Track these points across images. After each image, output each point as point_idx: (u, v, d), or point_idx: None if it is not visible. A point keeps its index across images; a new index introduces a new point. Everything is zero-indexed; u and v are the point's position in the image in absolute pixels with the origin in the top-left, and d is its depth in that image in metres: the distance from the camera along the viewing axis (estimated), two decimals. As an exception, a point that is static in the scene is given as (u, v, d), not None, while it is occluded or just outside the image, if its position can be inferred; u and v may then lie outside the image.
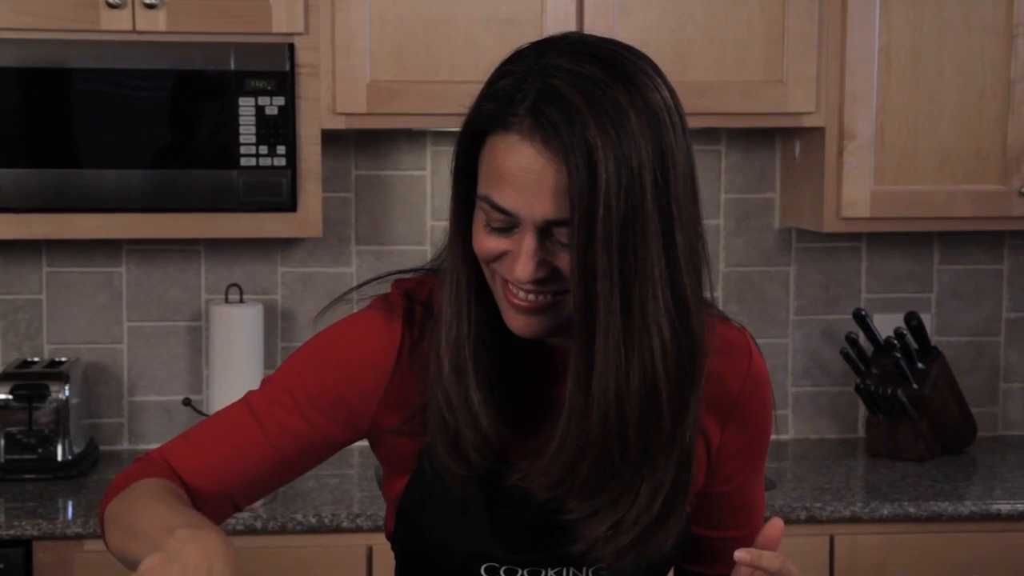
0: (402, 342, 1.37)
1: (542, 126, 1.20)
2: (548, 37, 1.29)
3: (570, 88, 1.20)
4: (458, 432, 1.31)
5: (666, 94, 1.25)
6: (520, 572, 1.38)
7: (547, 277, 1.25)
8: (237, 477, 1.39)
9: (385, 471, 1.46)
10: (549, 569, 1.38)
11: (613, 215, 1.19)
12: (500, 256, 1.26)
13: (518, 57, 1.27)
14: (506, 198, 1.22)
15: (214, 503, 1.39)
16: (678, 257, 1.23)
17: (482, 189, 1.25)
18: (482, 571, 1.38)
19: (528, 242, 1.23)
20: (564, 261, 1.23)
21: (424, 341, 1.36)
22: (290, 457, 1.40)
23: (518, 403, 1.34)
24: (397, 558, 1.51)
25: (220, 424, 1.40)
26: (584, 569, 1.39)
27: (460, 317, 1.30)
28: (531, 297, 1.26)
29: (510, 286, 1.27)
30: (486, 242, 1.26)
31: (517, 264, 1.23)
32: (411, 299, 1.39)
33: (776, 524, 1.29)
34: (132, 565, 1.23)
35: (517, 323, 1.28)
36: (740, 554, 1.24)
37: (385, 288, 1.44)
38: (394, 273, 1.45)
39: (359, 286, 1.45)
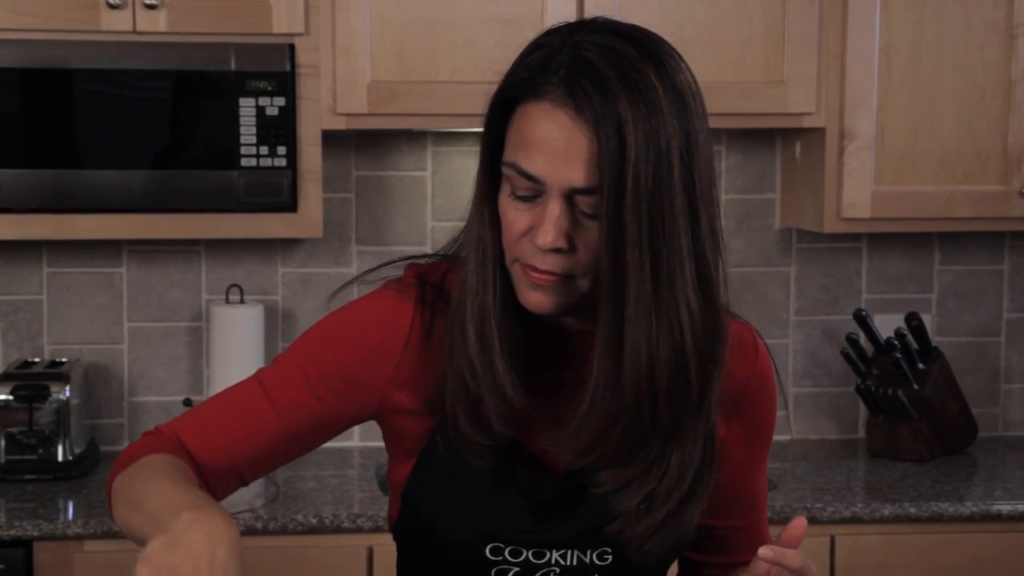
0: (413, 322, 1.39)
1: (575, 95, 1.23)
2: (579, 20, 1.34)
3: (603, 62, 1.24)
4: (480, 399, 1.33)
5: (691, 78, 1.29)
6: (525, 553, 1.39)
7: (566, 250, 1.27)
8: (245, 452, 1.40)
9: (391, 454, 1.47)
10: (554, 551, 1.39)
11: (642, 186, 1.22)
12: (522, 236, 1.28)
13: (551, 33, 1.30)
14: (534, 164, 1.25)
15: (221, 477, 1.40)
16: (702, 234, 1.27)
17: (510, 155, 1.28)
18: (487, 552, 1.39)
19: (552, 208, 1.25)
20: (583, 236, 1.26)
21: (436, 322, 1.38)
22: (299, 433, 1.41)
23: (536, 377, 1.36)
24: (400, 546, 1.51)
25: (230, 399, 1.41)
26: (588, 552, 1.40)
27: (486, 286, 1.32)
28: (547, 275, 1.28)
29: (527, 266, 1.29)
30: (511, 216, 1.29)
31: (540, 231, 1.26)
32: (424, 281, 1.41)
33: (799, 523, 1.31)
34: (138, 541, 1.25)
35: (533, 299, 1.30)
36: (764, 551, 1.27)
37: (398, 272, 1.46)
38: (408, 258, 1.47)
39: (372, 269, 1.46)
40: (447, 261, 1.43)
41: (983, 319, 3.22)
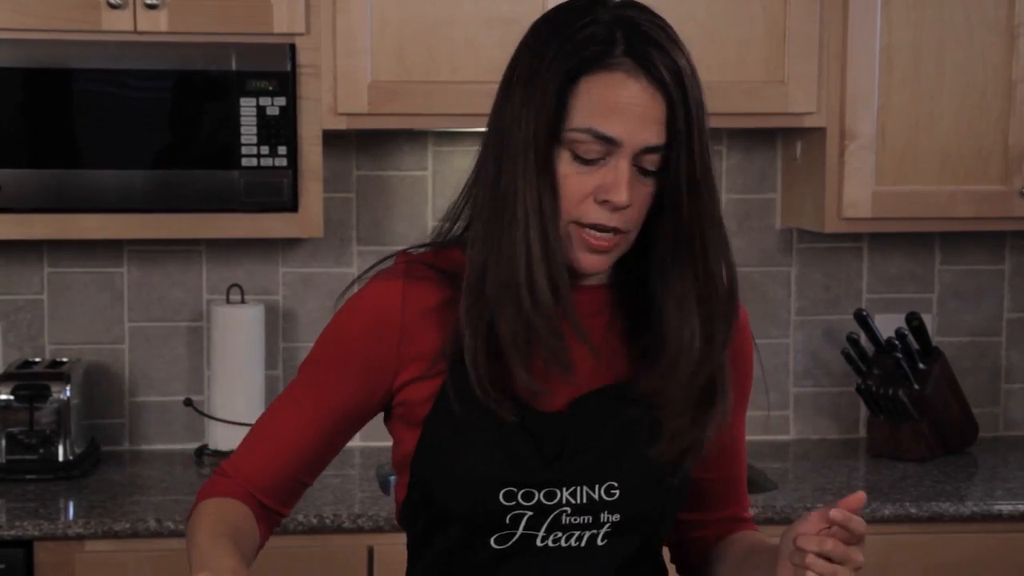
0: (405, 296, 1.49)
1: (644, 65, 1.38)
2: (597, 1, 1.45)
3: (660, 34, 1.40)
4: (538, 354, 1.42)
5: None
6: (537, 495, 1.46)
7: (629, 206, 1.41)
8: (295, 463, 1.54)
9: (396, 435, 1.55)
10: (564, 489, 1.47)
11: (703, 135, 1.40)
12: (585, 197, 1.40)
13: (589, 11, 1.42)
14: (613, 127, 1.38)
15: (285, 490, 1.56)
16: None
17: (582, 122, 1.39)
18: (501, 497, 1.46)
19: (624, 167, 1.39)
20: (638, 192, 1.41)
21: (430, 292, 1.48)
22: (334, 430, 1.55)
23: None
24: (410, 529, 1.56)
25: (268, 420, 1.56)
26: (596, 487, 1.47)
27: (552, 250, 1.41)
28: (608, 236, 1.41)
29: (587, 230, 1.41)
30: (574, 180, 1.40)
31: (614, 191, 1.39)
32: (411, 263, 1.52)
33: (860, 496, 1.40)
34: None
35: (590, 261, 1.43)
36: (834, 513, 1.36)
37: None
38: (401, 251, 1.57)
39: (372, 267, 1.57)
40: (436, 247, 1.54)
41: (984, 319, 3.22)
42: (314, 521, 2.52)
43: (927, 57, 2.80)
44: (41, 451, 2.76)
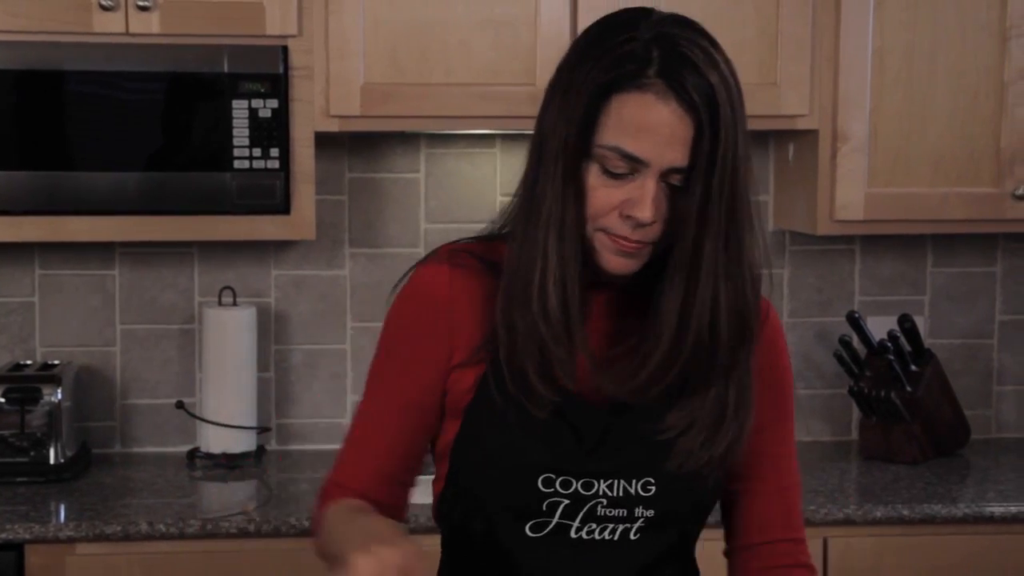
0: (451, 283, 1.53)
1: (675, 88, 1.39)
2: (642, 9, 1.47)
3: (698, 55, 1.40)
4: (553, 358, 1.45)
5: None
6: (575, 484, 1.49)
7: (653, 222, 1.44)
8: (392, 468, 1.57)
9: (441, 422, 1.57)
10: (601, 481, 1.50)
11: (728, 163, 1.41)
12: (612, 209, 1.43)
13: (631, 22, 1.44)
14: (640, 147, 1.40)
15: (390, 495, 1.58)
16: (752, 206, 1.47)
17: (610, 139, 1.41)
18: (539, 483, 1.49)
19: (650, 186, 1.41)
20: (663, 207, 1.42)
21: (473, 280, 1.52)
22: (412, 424, 1.56)
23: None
24: (446, 523, 1.59)
25: (354, 432, 1.60)
26: (633, 482, 1.50)
27: (568, 257, 1.44)
28: (636, 242, 1.44)
29: (614, 236, 1.44)
30: (601, 192, 1.43)
31: (638, 207, 1.41)
32: (455, 251, 1.55)
33: None
34: (331, 560, 1.46)
35: (616, 264, 1.46)
36: None
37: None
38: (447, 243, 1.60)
39: (411, 269, 1.58)
40: (479, 241, 1.57)
41: (976, 321, 3.22)
42: (306, 524, 2.51)
43: (919, 59, 2.81)
44: (32, 454, 2.75)
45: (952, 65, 2.82)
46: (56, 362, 2.91)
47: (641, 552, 1.53)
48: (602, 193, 1.43)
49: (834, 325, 3.15)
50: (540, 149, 1.47)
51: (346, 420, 3.08)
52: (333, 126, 2.72)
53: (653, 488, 1.50)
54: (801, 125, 2.83)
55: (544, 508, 1.50)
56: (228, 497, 2.72)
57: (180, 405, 2.98)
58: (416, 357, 1.54)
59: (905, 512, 2.61)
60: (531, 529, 1.51)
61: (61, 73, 2.60)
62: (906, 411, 2.95)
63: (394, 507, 1.59)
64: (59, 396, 2.78)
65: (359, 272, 3.07)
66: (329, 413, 3.08)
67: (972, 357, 3.23)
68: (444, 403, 1.55)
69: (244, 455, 2.90)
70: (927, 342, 3.14)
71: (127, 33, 2.62)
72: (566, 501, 1.49)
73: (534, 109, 2.76)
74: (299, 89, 2.68)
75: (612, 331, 1.52)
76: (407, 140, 3.05)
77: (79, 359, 2.99)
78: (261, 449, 2.97)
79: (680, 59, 1.40)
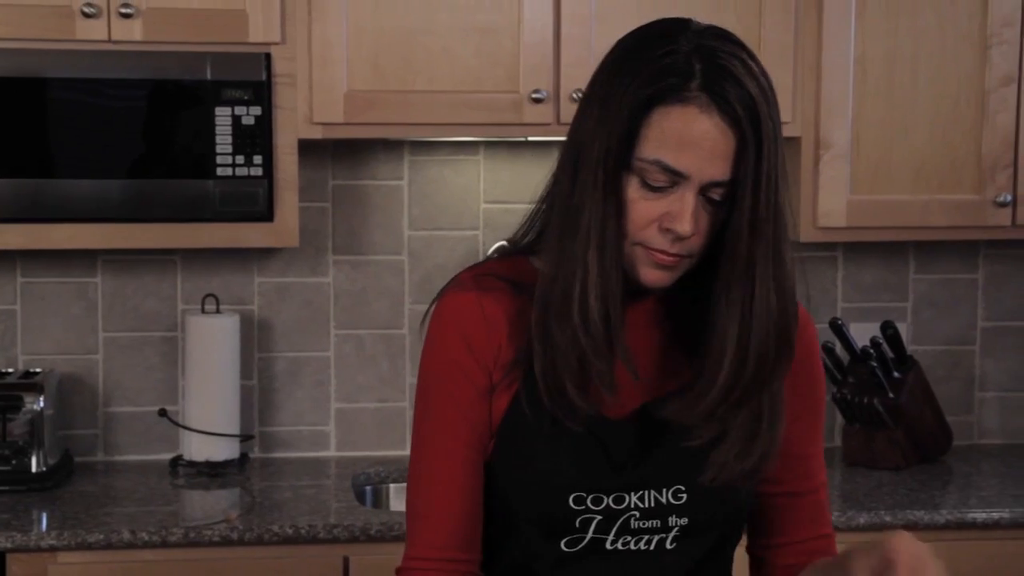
0: (481, 306, 1.51)
1: (719, 102, 1.39)
2: (678, 20, 1.46)
3: (738, 68, 1.40)
4: (592, 372, 1.45)
5: None
6: (606, 500, 1.49)
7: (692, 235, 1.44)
8: (466, 508, 1.53)
9: None
10: (632, 493, 1.50)
11: (772, 175, 1.41)
12: (651, 223, 1.42)
13: (669, 34, 1.43)
14: (682, 161, 1.39)
15: (471, 536, 1.53)
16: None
17: (651, 153, 1.40)
18: (570, 501, 1.49)
19: (690, 199, 1.41)
20: (702, 220, 1.42)
21: (501, 301, 1.50)
22: (478, 456, 1.53)
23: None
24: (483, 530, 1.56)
25: (421, 485, 1.54)
26: (664, 491, 1.50)
27: (609, 271, 1.43)
28: (674, 255, 1.43)
29: (652, 249, 1.43)
30: (641, 206, 1.42)
31: (678, 221, 1.41)
32: (478, 275, 1.54)
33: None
34: None
35: (654, 277, 1.46)
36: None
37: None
38: (465, 269, 1.60)
39: (445, 292, 1.55)
40: (499, 260, 1.57)
41: (958, 328, 3.24)
42: (289, 531, 2.51)
43: (901, 67, 2.82)
44: (14, 462, 2.74)
45: (933, 73, 2.83)
46: (38, 370, 2.90)
47: (678, 561, 1.53)
48: (641, 206, 1.42)
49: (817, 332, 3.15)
50: (576, 160, 1.44)
51: (329, 427, 3.08)
52: (316, 133, 2.71)
53: (684, 496, 1.50)
54: (784, 132, 2.82)
55: (577, 525, 1.49)
56: (211, 505, 2.71)
57: (163, 413, 2.98)
58: (468, 384, 1.51)
59: (888, 518, 2.62)
60: (566, 545, 1.50)
61: (44, 80, 2.59)
62: (889, 417, 2.96)
63: (476, 553, 1.55)
64: (41, 404, 2.77)
65: (342, 279, 3.07)
66: (312, 420, 3.08)
67: (954, 364, 3.24)
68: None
69: (227, 463, 2.90)
70: (909, 349, 3.15)
71: (110, 40, 2.61)
72: (599, 517, 1.49)
73: (517, 116, 2.79)
74: (282, 96, 2.67)
75: (651, 343, 1.52)
76: (390, 147, 3.05)
77: (61, 367, 2.97)
78: (244, 457, 2.97)
79: (722, 72, 1.39)
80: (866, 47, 2.81)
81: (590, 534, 1.50)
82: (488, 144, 3.06)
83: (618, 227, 1.42)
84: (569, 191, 1.45)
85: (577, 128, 1.46)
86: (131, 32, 2.61)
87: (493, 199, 3.09)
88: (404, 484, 2.97)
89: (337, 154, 3.04)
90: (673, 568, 1.53)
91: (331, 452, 3.09)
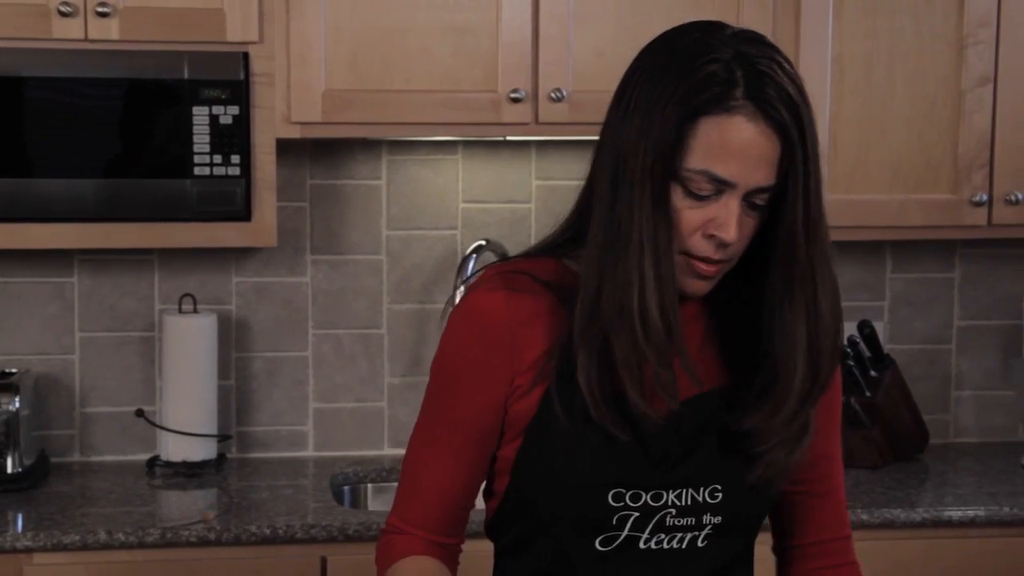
0: (509, 308, 1.51)
1: (763, 109, 1.40)
2: (711, 24, 1.47)
3: (779, 74, 1.42)
4: (654, 381, 1.45)
5: None
6: (644, 497, 1.50)
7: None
8: (453, 497, 1.58)
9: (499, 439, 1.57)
10: (670, 491, 1.51)
11: (817, 176, 1.44)
12: (695, 231, 1.43)
13: (708, 44, 1.43)
14: (729, 170, 1.40)
15: (453, 523, 1.59)
16: None
17: (698, 163, 1.41)
18: (609, 498, 1.50)
19: (734, 206, 1.42)
20: (746, 227, 1.44)
21: (528, 302, 1.51)
22: (476, 452, 1.56)
23: None
24: (503, 531, 1.59)
25: (415, 464, 1.59)
26: (701, 490, 1.51)
27: (666, 280, 1.44)
28: (715, 266, 1.45)
29: (696, 259, 1.45)
30: (686, 214, 1.43)
31: (723, 228, 1.42)
32: (507, 273, 1.54)
33: None
34: None
35: (696, 286, 1.47)
36: None
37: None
38: (489, 265, 1.61)
39: (472, 288, 1.56)
40: (525, 258, 1.57)
41: (934, 327, 3.25)
42: (267, 531, 2.50)
43: (878, 67, 2.83)
44: (-10, 463, 2.73)
45: (910, 73, 2.84)
46: (14, 370, 2.88)
47: (709, 559, 1.54)
48: (686, 215, 1.43)
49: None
50: (617, 170, 1.44)
51: (307, 427, 3.07)
52: (294, 133, 2.71)
53: (720, 495, 1.52)
54: (761, 132, 2.83)
55: (614, 522, 1.51)
56: (188, 505, 2.70)
57: (140, 413, 2.96)
58: (480, 387, 1.52)
59: (864, 517, 2.63)
60: (600, 543, 1.51)
61: (20, 79, 2.58)
62: (866, 416, 2.97)
63: (458, 537, 1.61)
64: (17, 404, 2.75)
65: (321, 279, 3.06)
66: (290, 421, 3.07)
67: (931, 362, 3.26)
68: (504, 422, 1.55)
69: (204, 463, 2.89)
70: (886, 348, 3.17)
71: (86, 40, 2.60)
72: (636, 514, 1.50)
73: (496, 116, 2.79)
74: (260, 96, 2.67)
75: (691, 343, 1.52)
76: (369, 147, 3.05)
77: (37, 367, 2.96)
78: (222, 457, 2.96)
79: (763, 78, 1.40)
80: (843, 47, 2.82)
81: (626, 532, 1.51)
82: (466, 144, 3.06)
83: (668, 237, 1.43)
84: (611, 201, 1.44)
85: (615, 136, 1.45)
86: (108, 31, 2.60)
87: (472, 199, 3.09)
88: (381, 484, 2.97)
89: (315, 154, 3.03)
90: (704, 566, 1.54)
91: (309, 452, 3.08)
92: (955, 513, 2.66)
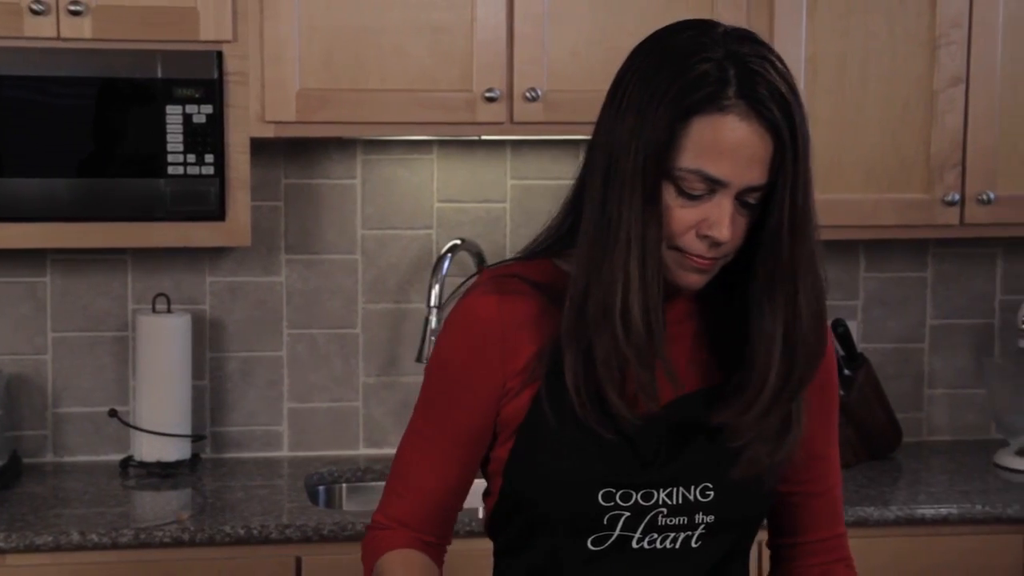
0: (501, 310, 1.52)
1: (756, 108, 1.40)
2: (703, 23, 1.47)
3: (771, 73, 1.41)
4: (634, 382, 1.46)
5: None
6: (634, 496, 1.51)
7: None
8: (442, 498, 1.59)
9: (493, 439, 1.57)
10: (660, 491, 1.51)
11: (808, 174, 1.45)
12: (689, 229, 1.43)
13: (700, 43, 1.42)
14: (722, 169, 1.40)
15: (441, 522, 1.60)
16: None
17: (691, 162, 1.41)
18: (599, 498, 1.50)
19: (727, 206, 1.42)
20: (739, 225, 1.44)
21: (520, 304, 1.52)
22: (467, 453, 1.57)
23: None
24: (500, 530, 1.59)
25: (405, 464, 1.59)
26: (692, 488, 1.52)
27: (650, 280, 1.44)
28: (710, 259, 1.45)
29: (688, 255, 1.45)
30: (679, 213, 1.43)
31: (716, 227, 1.42)
32: (500, 276, 1.55)
33: None
34: None
35: (691, 280, 1.47)
36: None
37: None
38: (485, 268, 1.64)
39: (467, 292, 1.57)
40: (519, 262, 1.58)
41: (907, 326, 3.27)
42: (241, 532, 2.49)
43: (851, 67, 2.84)
44: (-38, 464, 2.71)
45: (883, 73, 2.85)
46: (-14, 371, 2.87)
47: (702, 559, 1.54)
48: (678, 214, 1.43)
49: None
50: (609, 168, 1.44)
51: (282, 427, 3.06)
52: (268, 132, 2.70)
53: (712, 493, 1.52)
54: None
55: (605, 522, 1.51)
56: (162, 506, 2.69)
57: (113, 413, 2.95)
58: (471, 390, 1.53)
59: (839, 515, 2.64)
60: (592, 543, 1.52)
61: (-9, 78, 2.57)
62: (839, 414, 2.98)
63: (444, 538, 1.62)
64: (-11, 405, 2.74)
65: (295, 279, 3.05)
66: (265, 421, 3.06)
67: (904, 361, 3.28)
68: (496, 423, 1.55)
69: (179, 463, 2.88)
70: (860, 346, 3.18)
71: (58, 38, 2.59)
72: (627, 513, 1.51)
73: (471, 115, 2.79)
74: (234, 95, 2.66)
75: (680, 341, 1.53)
76: (343, 146, 3.04)
77: (9, 367, 2.94)
78: (196, 457, 2.95)
79: (756, 77, 1.40)
80: (817, 47, 2.83)
81: (617, 531, 1.51)
82: (441, 143, 3.06)
83: (658, 236, 1.43)
84: (602, 200, 1.45)
85: (608, 135, 1.45)
86: (80, 30, 2.59)
87: (447, 198, 3.09)
88: (356, 484, 2.96)
89: (290, 153, 3.03)
90: (697, 566, 1.55)
91: (284, 452, 3.07)
92: (928, 511, 2.68)
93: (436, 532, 1.60)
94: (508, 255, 3.07)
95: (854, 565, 1.69)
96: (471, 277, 1.60)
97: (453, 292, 1.57)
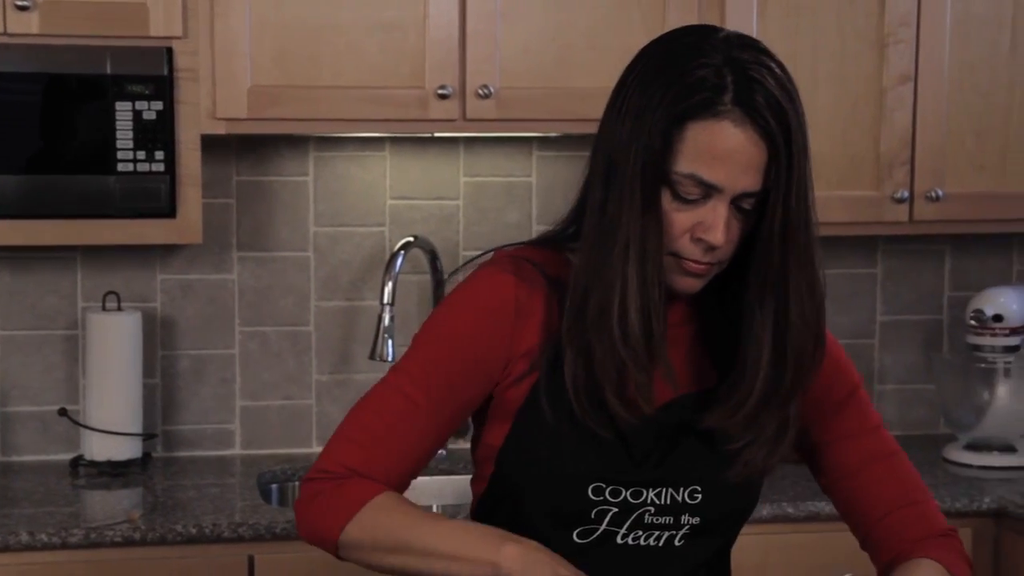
0: (517, 293, 1.52)
1: (751, 115, 1.41)
2: (705, 28, 1.49)
3: (769, 80, 1.42)
4: (631, 383, 1.47)
5: None
6: (624, 493, 1.52)
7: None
8: (412, 464, 1.55)
9: (484, 427, 1.58)
10: (650, 490, 1.53)
11: (804, 182, 1.46)
12: (684, 233, 1.45)
13: (700, 48, 1.44)
14: (716, 174, 1.42)
15: (405, 487, 1.56)
16: None
17: (687, 167, 1.42)
18: (589, 491, 1.52)
19: (722, 211, 1.44)
20: (734, 230, 1.46)
21: (535, 292, 1.52)
22: (446, 426, 1.55)
23: None
24: (487, 518, 1.58)
25: (381, 417, 1.54)
26: (681, 490, 1.54)
27: (650, 284, 1.45)
28: (706, 264, 1.46)
29: (684, 259, 1.46)
30: (674, 217, 1.45)
31: (710, 232, 1.44)
32: (517, 259, 1.55)
33: None
34: None
35: (687, 284, 1.49)
36: None
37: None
38: (498, 248, 1.62)
39: (483, 267, 1.57)
40: (535, 247, 1.57)
41: (857, 322, 3.30)
42: (193, 531, 2.48)
43: (802, 65, 2.86)
44: (-92, 464, 2.68)
45: (833, 72, 2.88)
46: (-67, 370, 2.84)
47: (685, 559, 1.56)
48: (674, 217, 1.44)
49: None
50: (609, 171, 1.46)
51: (234, 425, 3.05)
52: (220, 128, 2.69)
53: (700, 496, 1.54)
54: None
55: (592, 516, 1.53)
56: (113, 505, 2.67)
57: (63, 412, 2.93)
58: (472, 367, 1.53)
59: (790, 510, 2.66)
60: (578, 536, 1.53)
61: (-63, 73, 2.54)
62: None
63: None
64: (-64, 405, 2.71)
65: (247, 276, 3.04)
66: (217, 419, 3.05)
67: (854, 357, 3.26)
68: (491, 406, 1.55)
69: (129, 462, 2.86)
70: (810, 343, 3.20)
71: (5, 33, 2.56)
72: (615, 509, 1.52)
73: (423, 112, 2.78)
74: (185, 91, 2.64)
75: (679, 343, 1.54)
76: (295, 143, 3.03)
77: (-43, 366, 2.92)
78: (147, 456, 2.93)
79: (753, 84, 1.41)
80: (767, 45, 2.84)
81: (603, 526, 1.53)
82: (394, 140, 3.05)
83: (657, 240, 1.44)
84: (602, 202, 1.47)
85: (608, 139, 1.47)
86: (28, 25, 2.56)
87: (399, 195, 3.08)
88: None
89: (241, 150, 3.01)
90: (678, 565, 1.56)
91: (236, 450, 3.06)
92: (878, 505, 2.70)
93: (401, 492, 1.57)
94: (461, 252, 3.07)
95: (960, 541, 1.66)
96: (484, 254, 1.60)
97: (454, 271, 1.56)
